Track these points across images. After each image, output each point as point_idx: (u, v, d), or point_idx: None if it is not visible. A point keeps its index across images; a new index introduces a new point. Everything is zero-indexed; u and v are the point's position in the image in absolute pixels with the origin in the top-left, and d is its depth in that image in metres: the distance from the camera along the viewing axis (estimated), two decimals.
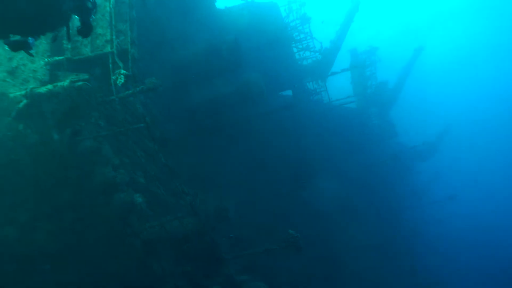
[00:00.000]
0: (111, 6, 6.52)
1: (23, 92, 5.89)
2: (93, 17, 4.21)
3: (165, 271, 7.89)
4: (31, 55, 4.04)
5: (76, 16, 4.15)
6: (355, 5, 19.41)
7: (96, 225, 6.90)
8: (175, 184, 7.03)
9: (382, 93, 22.57)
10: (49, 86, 5.94)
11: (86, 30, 4.14)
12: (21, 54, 6.63)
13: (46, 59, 6.38)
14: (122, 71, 6.29)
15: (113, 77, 6.25)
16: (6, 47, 3.85)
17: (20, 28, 3.77)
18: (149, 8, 10.68)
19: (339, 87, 23.77)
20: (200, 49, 12.02)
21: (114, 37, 6.43)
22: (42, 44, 6.43)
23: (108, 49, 6.61)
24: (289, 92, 18.80)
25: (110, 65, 6.35)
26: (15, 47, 3.86)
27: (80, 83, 6.02)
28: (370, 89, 22.67)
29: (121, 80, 6.24)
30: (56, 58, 6.42)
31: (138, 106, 6.34)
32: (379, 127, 22.96)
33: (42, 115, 5.96)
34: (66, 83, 5.95)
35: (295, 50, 19.23)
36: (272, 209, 13.23)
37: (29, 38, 3.89)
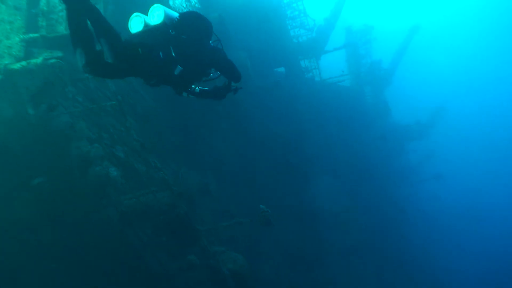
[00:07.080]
0: None
1: None
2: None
3: (142, 241, 8.28)
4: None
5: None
6: None
7: (73, 196, 7.23)
8: (149, 159, 7.32)
9: (376, 72, 22.55)
10: (23, 63, 6.14)
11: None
12: None
13: (21, 36, 6.54)
14: None
15: None
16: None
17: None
18: None
19: (333, 65, 23.73)
20: None
21: None
22: (17, 20, 6.59)
23: None
24: (282, 69, 18.90)
25: None
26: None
27: (53, 60, 6.21)
28: (364, 67, 22.61)
29: None
30: (31, 35, 6.58)
31: (110, 84, 6.55)
32: (372, 105, 23.08)
33: (17, 91, 6.19)
34: (39, 60, 6.16)
35: (289, 27, 19.18)
36: (256, 185, 13.55)
37: None
